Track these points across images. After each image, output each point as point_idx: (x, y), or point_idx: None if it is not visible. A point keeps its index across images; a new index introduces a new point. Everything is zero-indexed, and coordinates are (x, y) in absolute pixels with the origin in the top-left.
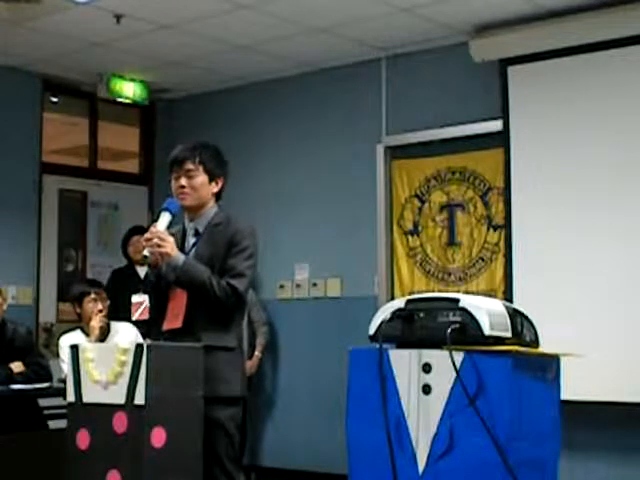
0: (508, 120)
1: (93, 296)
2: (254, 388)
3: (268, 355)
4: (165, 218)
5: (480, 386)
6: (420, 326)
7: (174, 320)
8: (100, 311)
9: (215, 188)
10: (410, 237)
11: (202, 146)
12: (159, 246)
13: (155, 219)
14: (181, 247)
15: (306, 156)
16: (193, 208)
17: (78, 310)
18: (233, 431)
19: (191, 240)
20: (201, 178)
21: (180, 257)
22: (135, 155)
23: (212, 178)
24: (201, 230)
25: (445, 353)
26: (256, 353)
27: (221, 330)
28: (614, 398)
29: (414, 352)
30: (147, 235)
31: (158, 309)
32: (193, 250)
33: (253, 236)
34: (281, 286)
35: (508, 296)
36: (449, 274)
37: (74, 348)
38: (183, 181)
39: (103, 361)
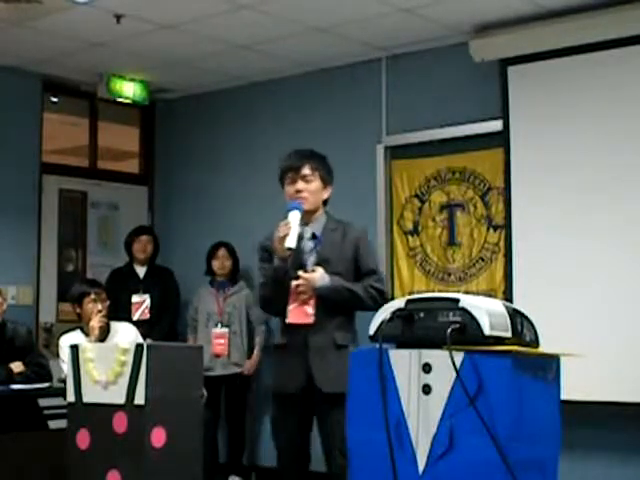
0: (508, 120)
1: (93, 296)
2: (253, 388)
3: (267, 355)
4: (296, 215)
5: (480, 386)
6: (420, 326)
7: (303, 316)
8: (100, 311)
9: (326, 194)
10: (410, 237)
11: (315, 154)
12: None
13: (284, 217)
14: (297, 248)
15: None
16: (309, 212)
17: (78, 310)
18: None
19: (308, 243)
20: (316, 183)
21: (325, 277)
22: (135, 155)
23: (325, 185)
24: (318, 234)
25: (445, 353)
26: (255, 352)
27: (347, 329)
28: (614, 398)
29: (414, 352)
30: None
31: (279, 298)
32: (314, 253)
33: (368, 236)
34: None
35: (508, 296)
36: (449, 274)
37: (74, 348)
38: (300, 185)
39: (103, 361)
